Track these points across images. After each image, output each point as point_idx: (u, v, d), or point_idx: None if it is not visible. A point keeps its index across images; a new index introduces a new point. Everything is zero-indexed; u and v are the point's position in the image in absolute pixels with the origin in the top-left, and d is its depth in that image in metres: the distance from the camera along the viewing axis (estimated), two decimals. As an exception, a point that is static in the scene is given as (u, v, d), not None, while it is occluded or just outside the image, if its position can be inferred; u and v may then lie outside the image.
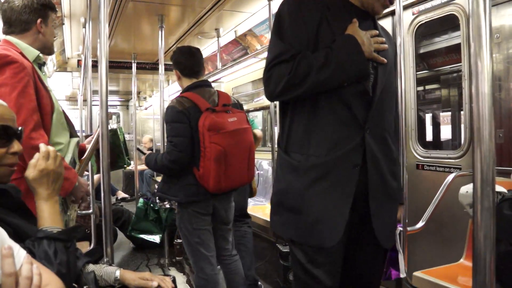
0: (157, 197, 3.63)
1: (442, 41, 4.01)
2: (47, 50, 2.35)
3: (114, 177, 8.87)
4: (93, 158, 2.68)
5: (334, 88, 1.59)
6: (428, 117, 4.72)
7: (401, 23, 2.33)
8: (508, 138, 2.75)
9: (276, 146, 1.81)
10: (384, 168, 1.71)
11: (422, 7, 3.33)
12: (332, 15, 1.64)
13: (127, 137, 11.06)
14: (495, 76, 2.79)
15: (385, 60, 1.69)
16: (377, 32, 1.70)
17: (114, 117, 12.55)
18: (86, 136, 2.99)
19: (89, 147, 2.51)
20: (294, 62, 1.54)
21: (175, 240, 4.96)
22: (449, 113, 4.52)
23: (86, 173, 2.81)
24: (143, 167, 9.69)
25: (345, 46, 1.57)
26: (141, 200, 4.49)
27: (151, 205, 4.33)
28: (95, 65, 2.23)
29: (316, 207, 1.61)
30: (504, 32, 2.74)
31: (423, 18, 3.36)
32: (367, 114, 1.65)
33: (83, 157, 2.48)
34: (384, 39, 1.72)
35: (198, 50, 3.23)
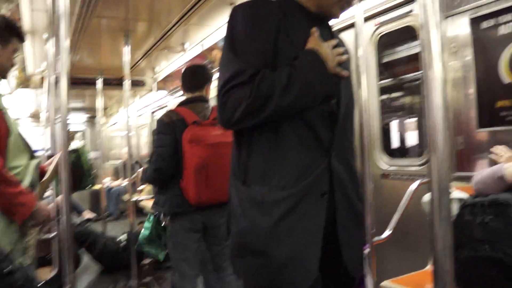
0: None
1: (404, 50, 4.12)
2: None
3: (80, 196, 8.68)
4: (56, 179, 2.62)
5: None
6: (394, 125, 4.80)
7: (362, 34, 2.39)
8: (468, 144, 2.84)
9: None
10: (351, 192, 1.58)
11: (383, 18, 3.43)
12: (290, 24, 1.47)
13: (93, 154, 10.89)
14: (454, 83, 2.89)
15: (348, 74, 1.54)
16: (337, 41, 1.54)
17: (78, 134, 12.32)
18: (48, 157, 2.92)
19: (49, 168, 2.44)
20: (254, 84, 1.35)
21: (142, 262, 4.86)
22: (414, 119, 4.62)
23: (48, 193, 2.74)
24: (117, 182, 9.56)
25: (309, 64, 1.41)
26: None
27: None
28: (58, 82, 2.19)
29: (286, 246, 1.41)
30: (459, 41, 2.85)
31: (384, 29, 3.46)
32: (332, 135, 1.49)
33: (43, 180, 2.41)
34: (343, 48, 1.57)
35: (201, 67, 3.31)
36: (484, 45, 2.70)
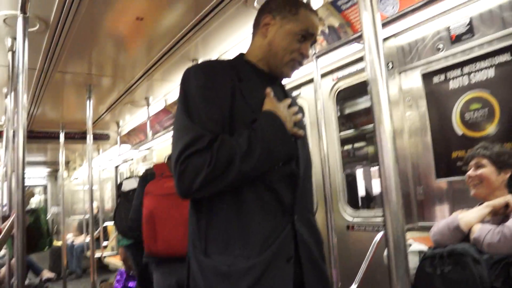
0: None
1: (363, 103, 4.26)
2: None
3: (39, 254, 8.30)
4: (9, 241, 2.51)
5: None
6: (357, 175, 4.85)
7: (321, 89, 2.46)
8: (428, 193, 2.90)
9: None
10: (316, 253, 1.52)
11: (340, 74, 3.56)
12: (244, 86, 1.45)
13: (55, 209, 10.55)
14: (411, 134, 2.99)
15: (303, 133, 1.49)
16: (290, 100, 1.51)
17: (39, 189, 11.96)
18: (3, 218, 2.80)
19: (4, 230, 2.34)
20: (213, 151, 1.29)
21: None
22: (377, 168, 4.69)
23: (2, 253, 2.62)
24: (80, 238, 9.22)
25: (268, 126, 1.36)
26: None
27: None
28: (15, 137, 2.15)
29: None
30: (414, 94, 2.97)
31: (343, 84, 3.59)
32: (293, 197, 1.44)
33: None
34: (296, 107, 1.56)
35: None
36: (437, 99, 2.83)
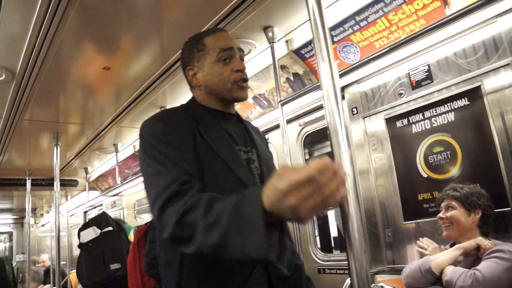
0: None
1: (329, 146, 4.32)
2: None
3: (4, 306, 7.92)
4: None
5: None
6: (330, 217, 4.86)
7: (286, 135, 2.50)
8: (397, 235, 2.92)
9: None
10: (297, 285, 1.49)
11: (307, 119, 3.63)
12: (202, 128, 1.45)
13: (20, 257, 10.17)
14: (378, 177, 3.04)
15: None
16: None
17: (4, 237, 11.54)
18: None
19: None
20: (183, 207, 1.19)
21: None
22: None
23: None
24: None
25: (240, 215, 1.08)
26: None
27: None
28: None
29: None
30: (378, 137, 3.04)
31: (309, 129, 3.66)
32: None
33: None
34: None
35: None
36: (401, 142, 2.90)
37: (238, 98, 1.55)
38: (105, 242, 3.50)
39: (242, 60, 1.57)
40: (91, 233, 3.54)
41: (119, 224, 3.75)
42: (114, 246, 3.47)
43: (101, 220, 3.72)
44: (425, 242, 2.37)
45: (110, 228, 3.57)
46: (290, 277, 1.45)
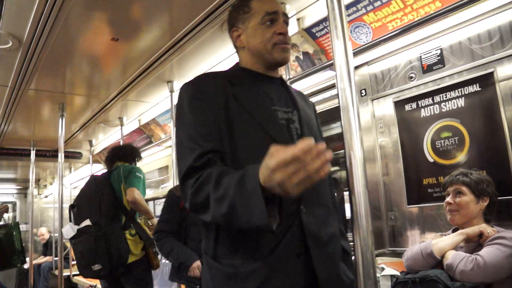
0: None
1: (337, 128, 4.30)
2: None
3: (5, 272, 8.03)
4: None
5: None
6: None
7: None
8: (400, 218, 2.93)
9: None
10: (331, 251, 1.47)
11: (314, 99, 3.60)
12: (237, 90, 1.48)
13: (23, 227, 10.27)
14: (384, 160, 3.03)
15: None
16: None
17: (9, 206, 11.64)
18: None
19: None
20: (196, 185, 1.30)
21: None
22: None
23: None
24: (40, 260, 8.95)
25: (241, 189, 1.17)
26: None
27: None
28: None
29: None
30: (386, 121, 3.03)
31: (318, 109, 3.61)
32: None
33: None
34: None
35: None
36: (408, 126, 2.88)
37: (279, 60, 1.55)
38: (82, 241, 3.25)
39: (287, 24, 1.58)
40: (70, 231, 3.34)
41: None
42: (89, 246, 3.19)
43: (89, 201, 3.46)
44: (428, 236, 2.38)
45: (87, 223, 3.26)
46: (327, 242, 1.45)
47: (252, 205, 1.12)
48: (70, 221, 3.47)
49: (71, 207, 3.54)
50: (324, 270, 1.39)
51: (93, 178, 3.62)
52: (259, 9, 1.54)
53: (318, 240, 1.41)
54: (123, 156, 3.78)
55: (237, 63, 1.65)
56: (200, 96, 1.45)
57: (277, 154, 1.02)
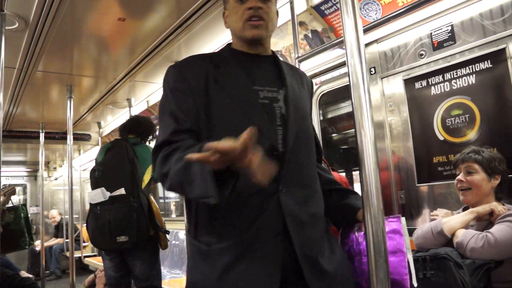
0: None
1: (346, 107, 4.28)
2: None
3: (18, 255, 8.15)
4: None
5: None
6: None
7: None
8: (408, 198, 2.92)
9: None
10: (311, 232, 1.46)
11: (323, 78, 3.57)
12: (219, 72, 1.50)
13: (34, 209, 10.39)
14: (393, 139, 3.01)
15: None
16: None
17: (19, 189, 11.75)
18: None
19: None
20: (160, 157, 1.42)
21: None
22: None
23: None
24: (51, 242, 9.07)
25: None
26: None
27: None
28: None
29: None
30: (396, 99, 3.00)
31: (326, 88, 3.60)
32: (279, 172, 1.36)
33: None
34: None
35: None
36: (418, 104, 2.85)
37: (249, 37, 1.53)
38: (113, 209, 3.10)
39: (264, 1, 1.52)
40: (99, 196, 3.15)
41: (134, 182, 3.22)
42: (121, 216, 3.08)
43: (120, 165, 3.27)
44: (438, 211, 2.36)
45: (122, 192, 3.13)
46: (307, 223, 1.46)
47: (197, 180, 1.24)
48: (97, 186, 3.26)
49: (93, 171, 3.35)
50: (303, 251, 1.40)
51: (125, 144, 3.35)
52: None
53: (297, 220, 1.42)
54: (142, 132, 3.61)
55: (229, 44, 1.64)
56: (182, 79, 1.49)
57: (215, 144, 1.11)
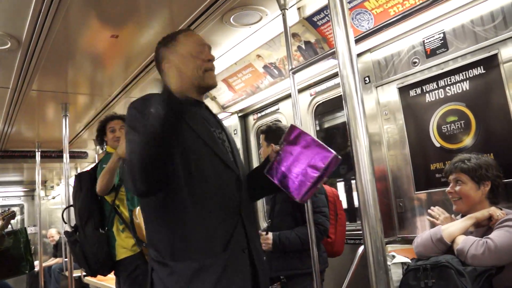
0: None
1: (341, 117, 4.28)
2: None
3: (17, 277, 8.04)
4: None
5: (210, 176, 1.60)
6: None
7: (297, 104, 2.47)
8: (409, 205, 2.91)
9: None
10: (259, 245, 1.78)
11: (318, 88, 3.58)
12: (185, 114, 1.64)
13: (32, 229, 10.30)
14: (390, 147, 3.01)
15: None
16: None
17: (16, 209, 11.67)
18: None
19: None
20: None
21: None
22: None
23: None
24: (50, 262, 8.98)
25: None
26: None
27: None
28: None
29: None
30: (391, 107, 3.00)
31: (321, 99, 3.61)
32: (240, 197, 1.67)
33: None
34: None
35: None
36: (414, 112, 2.86)
37: (210, 84, 1.75)
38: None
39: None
40: None
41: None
42: (72, 252, 3.09)
43: None
44: (436, 211, 2.35)
45: (67, 228, 3.14)
46: (256, 238, 1.77)
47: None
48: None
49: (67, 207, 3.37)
50: (259, 263, 1.68)
51: (78, 175, 3.26)
52: (187, 41, 1.74)
53: (254, 239, 1.71)
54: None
55: (167, 90, 1.71)
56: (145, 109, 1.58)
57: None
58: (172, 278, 1.55)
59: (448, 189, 2.27)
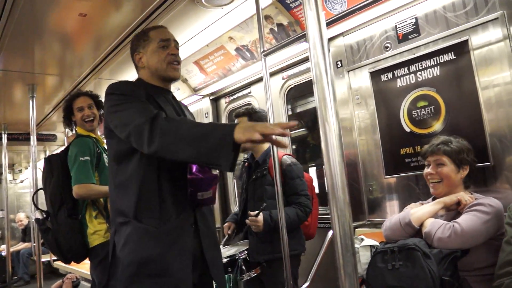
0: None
1: (313, 101, 4.29)
2: None
3: (-18, 262, 7.88)
4: None
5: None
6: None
7: (269, 88, 2.45)
8: (378, 189, 2.94)
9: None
10: (211, 223, 2.04)
11: (290, 72, 3.56)
12: (155, 96, 1.92)
13: (-2, 214, 10.09)
14: (361, 132, 3.02)
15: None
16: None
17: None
18: None
19: None
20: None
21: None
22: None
23: None
24: (18, 247, 8.82)
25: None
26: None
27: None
28: None
29: (177, 267, 1.78)
30: (362, 92, 3.01)
31: (293, 82, 3.59)
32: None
33: None
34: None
35: None
36: (385, 97, 2.87)
37: (172, 76, 2.01)
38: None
39: (177, 49, 2.03)
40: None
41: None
42: (44, 239, 2.94)
43: None
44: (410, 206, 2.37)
45: (38, 215, 2.98)
46: (208, 216, 2.03)
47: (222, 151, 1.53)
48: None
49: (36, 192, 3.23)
50: (206, 238, 1.94)
51: (47, 159, 3.08)
52: (155, 37, 1.99)
53: (204, 217, 1.97)
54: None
55: (140, 78, 2.05)
56: (135, 91, 1.86)
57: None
58: (134, 236, 1.79)
59: (428, 170, 2.26)
